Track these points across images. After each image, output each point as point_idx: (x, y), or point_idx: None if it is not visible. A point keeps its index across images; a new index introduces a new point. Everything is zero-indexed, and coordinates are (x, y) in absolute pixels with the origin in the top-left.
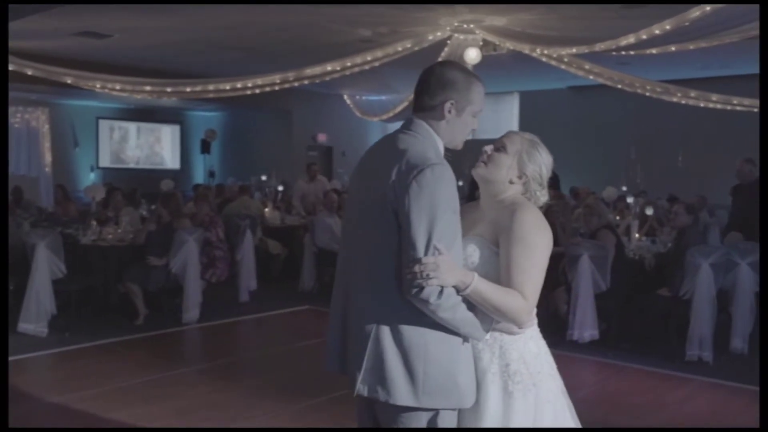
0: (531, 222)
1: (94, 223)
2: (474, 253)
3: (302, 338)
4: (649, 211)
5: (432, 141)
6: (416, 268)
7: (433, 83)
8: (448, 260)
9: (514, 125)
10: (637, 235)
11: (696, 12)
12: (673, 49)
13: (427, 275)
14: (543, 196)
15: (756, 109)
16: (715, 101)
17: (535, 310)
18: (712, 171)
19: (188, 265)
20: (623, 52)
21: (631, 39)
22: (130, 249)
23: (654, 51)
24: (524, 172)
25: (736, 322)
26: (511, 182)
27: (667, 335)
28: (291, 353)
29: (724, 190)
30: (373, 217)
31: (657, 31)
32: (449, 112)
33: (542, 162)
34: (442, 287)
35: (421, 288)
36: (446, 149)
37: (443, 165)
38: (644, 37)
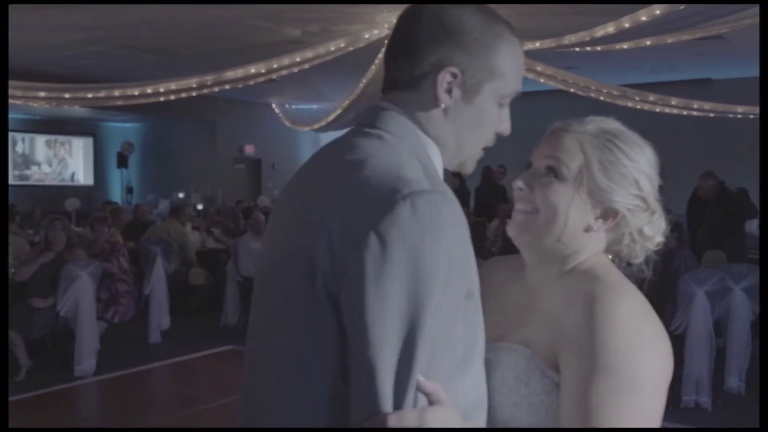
0: (629, 326)
1: None
2: (511, 384)
3: (226, 391)
4: None
5: (416, 144)
6: None
7: (420, 29)
8: (446, 418)
9: None
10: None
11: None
12: (648, 43)
13: None
14: (656, 233)
15: (713, 114)
16: (674, 105)
17: None
18: (671, 182)
19: (81, 304)
20: (588, 48)
21: (610, 28)
22: (10, 287)
23: (625, 46)
24: (610, 207)
25: (731, 357)
26: (585, 231)
27: None
28: (213, 414)
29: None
30: (289, 302)
31: (644, 18)
32: (447, 90)
33: (638, 171)
34: None
35: None
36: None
37: (439, 193)
38: (626, 25)
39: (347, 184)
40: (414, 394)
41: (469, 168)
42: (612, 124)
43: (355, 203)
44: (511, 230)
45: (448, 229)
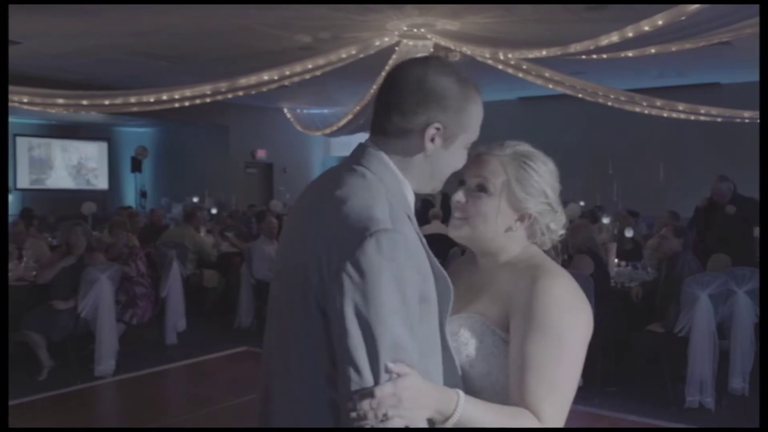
0: (560, 299)
1: None
2: (469, 342)
3: (241, 391)
4: (629, 233)
5: (392, 184)
6: (366, 405)
7: (409, 92)
8: (415, 384)
9: None
10: (616, 260)
11: (693, 5)
12: (653, 51)
13: (385, 414)
14: (558, 226)
15: (720, 119)
16: (680, 110)
17: None
18: (684, 186)
19: (100, 307)
20: (594, 56)
21: (614, 38)
22: (32, 290)
23: (630, 54)
24: (525, 212)
25: (735, 359)
26: (507, 231)
27: (660, 377)
28: (228, 413)
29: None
30: (291, 305)
31: (647, 28)
32: (432, 140)
33: (545, 183)
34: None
35: None
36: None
37: (396, 232)
38: (630, 35)
39: (333, 219)
40: (388, 375)
41: (438, 190)
42: (524, 147)
43: (338, 237)
44: (453, 233)
45: (401, 259)
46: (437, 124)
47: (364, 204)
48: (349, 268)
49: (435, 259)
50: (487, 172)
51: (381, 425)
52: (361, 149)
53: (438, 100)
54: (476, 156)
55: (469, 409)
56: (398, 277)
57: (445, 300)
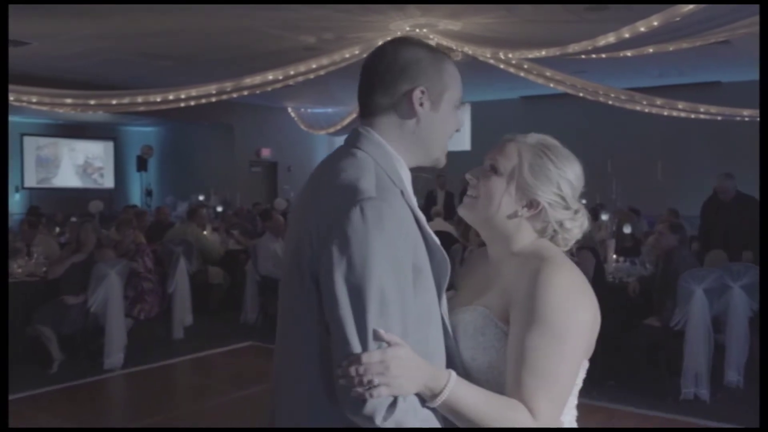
0: (564, 292)
1: None
2: (471, 334)
3: (245, 384)
4: (627, 229)
5: (383, 160)
6: (352, 371)
7: (386, 69)
8: (404, 354)
9: (466, 137)
10: (614, 256)
11: (688, 6)
12: (650, 50)
13: (370, 381)
14: (575, 227)
15: (720, 117)
16: (680, 109)
17: (572, 413)
18: (684, 185)
19: (110, 302)
20: (593, 56)
21: (611, 38)
22: (43, 285)
23: (629, 53)
24: (534, 199)
25: (730, 352)
26: (512, 216)
27: (656, 370)
28: (233, 405)
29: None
30: (290, 281)
31: (642, 29)
32: (421, 104)
33: (560, 176)
34: (396, 397)
35: (362, 400)
36: (419, 169)
37: (382, 200)
38: (627, 35)
39: (323, 197)
40: (377, 343)
41: (442, 162)
42: (549, 140)
43: (326, 210)
44: (461, 211)
45: (387, 227)
46: (422, 87)
47: (351, 177)
48: (336, 238)
49: (431, 233)
50: (501, 155)
51: (367, 393)
52: (354, 133)
53: (414, 65)
54: (500, 142)
55: (459, 391)
56: (386, 245)
57: (442, 275)
